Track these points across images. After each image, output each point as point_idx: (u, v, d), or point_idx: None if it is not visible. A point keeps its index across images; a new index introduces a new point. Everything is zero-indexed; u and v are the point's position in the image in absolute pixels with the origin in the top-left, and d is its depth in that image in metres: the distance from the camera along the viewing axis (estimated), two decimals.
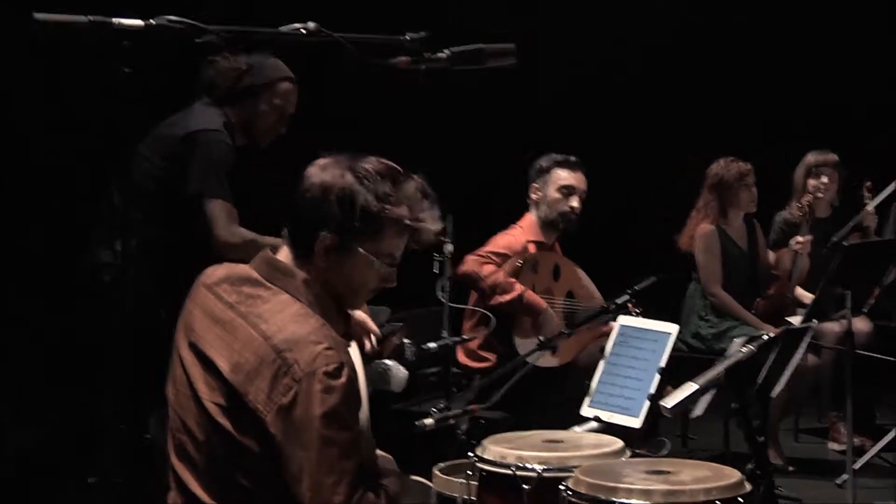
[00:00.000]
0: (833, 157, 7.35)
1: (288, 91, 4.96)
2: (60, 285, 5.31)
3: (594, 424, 4.10)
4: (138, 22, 2.85)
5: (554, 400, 5.48)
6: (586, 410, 4.01)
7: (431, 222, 3.11)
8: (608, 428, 4.05)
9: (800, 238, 7.06)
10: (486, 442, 3.71)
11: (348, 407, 2.93)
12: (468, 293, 5.85)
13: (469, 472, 3.68)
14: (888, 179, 7.24)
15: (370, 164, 3.05)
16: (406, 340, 4.88)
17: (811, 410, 7.74)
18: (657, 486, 3.19)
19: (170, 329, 4.69)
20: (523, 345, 5.67)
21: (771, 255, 7.28)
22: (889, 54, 8.45)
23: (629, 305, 5.93)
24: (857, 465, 6.01)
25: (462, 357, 5.92)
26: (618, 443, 3.66)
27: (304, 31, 2.96)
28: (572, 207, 5.95)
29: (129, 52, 2.85)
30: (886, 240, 6.94)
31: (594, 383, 4.04)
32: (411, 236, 3.11)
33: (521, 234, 5.92)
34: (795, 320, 6.80)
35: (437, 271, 5.35)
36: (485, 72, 3.03)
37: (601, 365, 4.07)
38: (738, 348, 3.76)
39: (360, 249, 3.04)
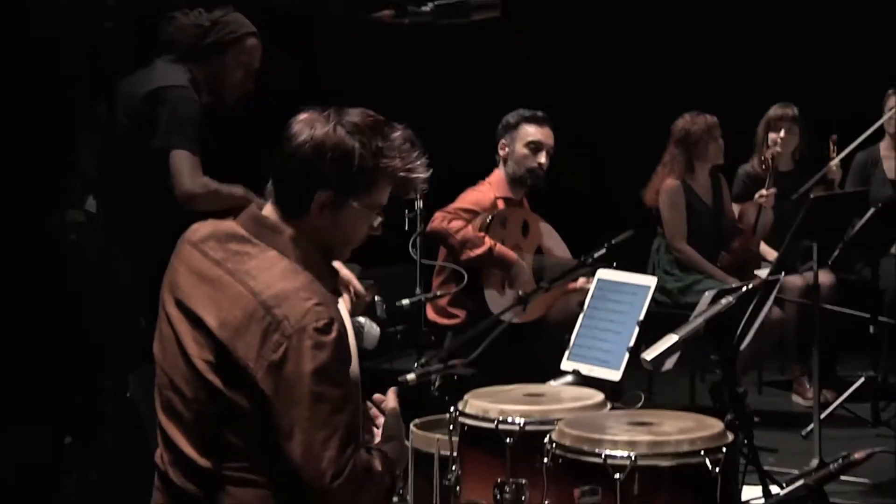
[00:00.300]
0: (793, 110, 7.39)
1: (254, 46, 4.93)
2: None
3: (570, 378, 4.12)
4: None
5: (524, 355, 5.50)
6: (566, 364, 4.03)
7: (422, 171, 3.10)
8: (584, 382, 4.08)
9: (763, 192, 7.09)
10: (467, 396, 3.73)
11: (339, 363, 2.92)
12: (438, 250, 5.85)
13: (451, 426, 3.69)
14: (853, 133, 7.31)
15: (357, 116, 3.03)
16: (377, 298, 4.90)
17: (774, 364, 7.81)
18: (641, 437, 3.22)
19: (142, 291, 4.76)
20: (494, 300, 5.69)
21: (735, 209, 7.32)
22: (855, 8, 8.45)
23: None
24: (823, 416, 6.07)
25: (431, 314, 5.92)
26: (598, 395, 3.70)
27: None
28: (540, 164, 5.95)
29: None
30: (852, 191, 6.98)
31: (573, 337, 4.06)
32: (402, 187, 3.10)
33: (489, 190, 5.93)
34: (762, 273, 6.84)
35: (408, 228, 5.36)
36: (470, 25, 3.02)
37: (580, 318, 4.09)
38: (709, 301, 3.81)
39: (355, 204, 3.04)
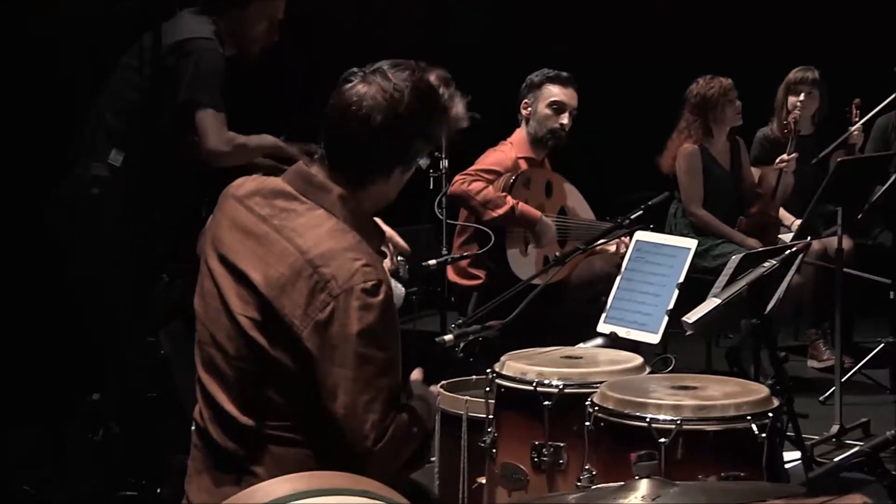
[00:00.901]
0: (813, 73, 7.33)
1: None
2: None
3: (600, 341, 4.08)
4: None
5: (547, 316, 5.46)
6: (602, 326, 3.99)
7: (465, 112, 3.08)
8: (613, 344, 4.04)
9: (784, 156, 7.05)
10: (504, 358, 3.69)
11: (386, 325, 2.88)
12: (458, 212, 5.80)
13: (487, 388, 3.66)
14: (876, 97, 7.25)
15: (411, 75, 2.97)
16: (400, 258, 4.85)
17: (787, 329, 7.78)
18: (687, 401, 3.18)
19: (166, 246, 4.74)
20: (516, 260, 5.64)
21: (754, 173, 7.27)
22: None
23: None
24: (843, 380, 6.03)
25: (452, 274, 5.89)
26: (637, 359, 3.66)
27: None
28: (562, 124, 5.90)
29: None
30: (878, 155, 6.92)
31: (610, 298, 4.02)
32: (452, 133, 3.09)
33: (510, 150, 5.88)
34: (786, 237, 6.82)
35: (433, 187, 5.32)
36: None
37: (617, 280, 4.05)
38: (737, 264, 3.77)
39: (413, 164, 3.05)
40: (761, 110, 7.51)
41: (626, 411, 3.20)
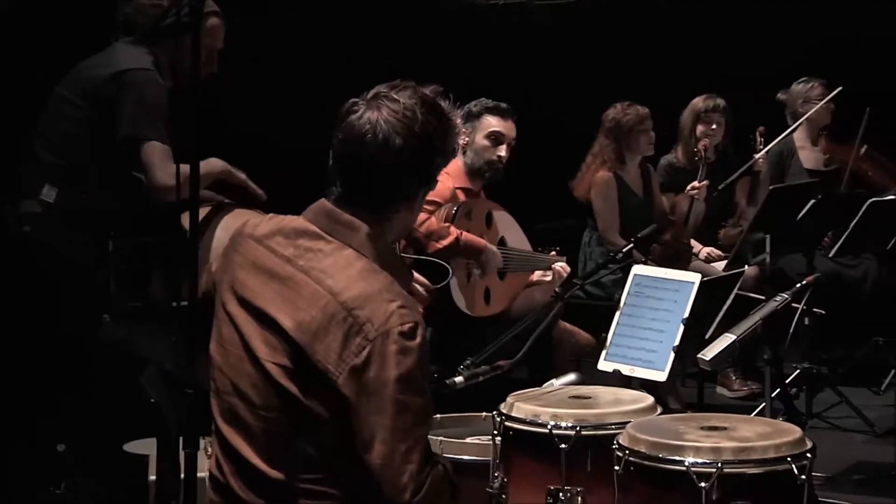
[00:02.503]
0: (722, 101, 7.38)
1: (215, 27, 4.69)
2: None
3: (573, 377, 3.97)
4: None
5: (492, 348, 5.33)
6: (603, 364, 3.89)
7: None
8: (582, 381, 3.94)
9: (695, 183, 7.07)
10: (511, 399, 3.56)
11: (422, 370, 2.75)
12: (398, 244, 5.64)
13: (495, 431, 3.52)
14: (778, 125, 7.35)
15: (414, 93, 2.86)
16: None
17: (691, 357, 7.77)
18: (725, 443, 3.08)
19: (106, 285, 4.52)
20: (461, 291, 5.51)
21: (664, 201, 7.28)
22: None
23: (554, 252, 5.90)
24: (758, 409, 5.99)
25: None
26: (647, 398, 3.57)
27: None
28: (500, 156, 5.78)
29: None
30: (808, 182, 6.97)
31: (609, 336, 3.92)
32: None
33: (447, 181, 5.73)
34: (719, 266, 6.83)
35: None
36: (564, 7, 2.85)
37: (616, 316, 3.94)
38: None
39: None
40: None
41: (660, 454, 3.09)
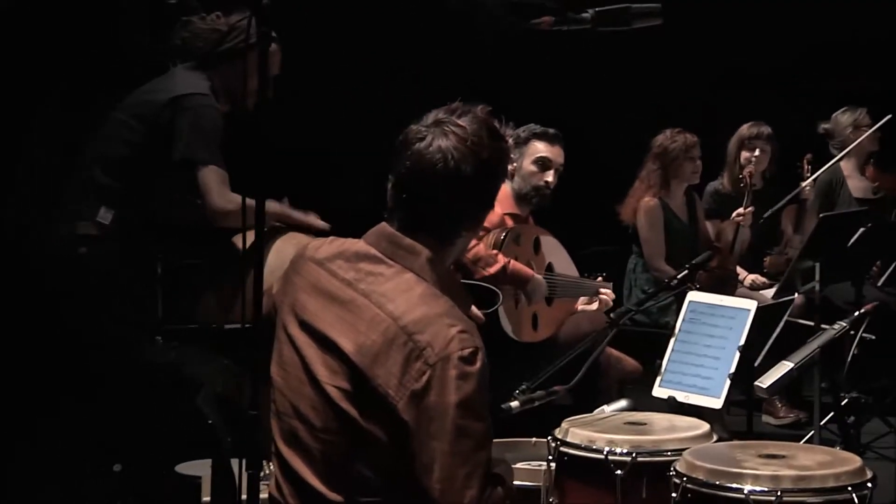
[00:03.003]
0: (767, 129, 7.37)
1: (273, 52, 4.71)
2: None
3: (623, 403, 3.96)
4: None
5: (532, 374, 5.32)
6: (658, 391, 3.87)
7: None
8: (636, 406, 3.93)
9: (741, 210, 7.05)
10: (565, 425, 3.56)
11: (482, 395, 2.75)
12: None
13: (549, 456, 3.51)
14: (824, 153, 7.32)
15: (475, 117, 2.87)
16: None
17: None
18: (784, 471, 3.07)
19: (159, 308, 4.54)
20: (508, 317, 5.50)
21: (709, 227, 7.26)
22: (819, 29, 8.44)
23: (600, 278, 5.88)
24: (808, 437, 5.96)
25: None
26: (703, 425, 3.55)
27: None
28: (547, 182, 5.76)
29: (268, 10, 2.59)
30: (857, 210, 6.94)
31: (664, 362, 3.90)
32: None
33: (496, 206, 5.72)
34: (768, 294, 6.80)
35: None
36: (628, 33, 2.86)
37: (671, 343, 3.93)
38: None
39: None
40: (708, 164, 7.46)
41: (719, 482, 3.08)
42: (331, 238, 3.02)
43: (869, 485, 3.08)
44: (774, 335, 4.61)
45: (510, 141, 5.78)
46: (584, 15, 2.84)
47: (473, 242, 5.38)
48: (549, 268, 5.79)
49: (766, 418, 7.27)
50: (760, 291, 7.06)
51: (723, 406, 6.64)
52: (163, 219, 4.55)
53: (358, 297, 2.82)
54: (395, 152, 2.87)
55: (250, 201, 4.49)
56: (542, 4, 2.82)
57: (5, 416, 4.86)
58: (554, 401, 3.54)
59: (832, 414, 6.50)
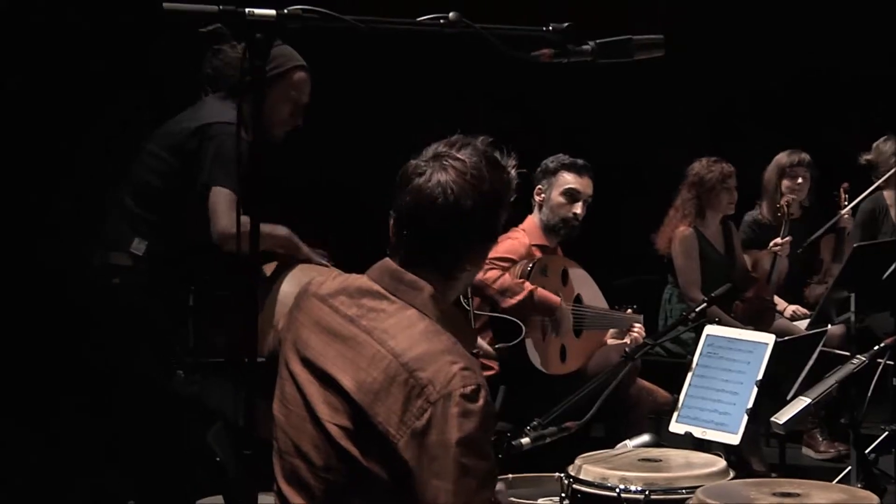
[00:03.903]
0: (807, 156, 7.28)
1: (302, 80, 4.72)
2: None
3: (647, 438, 3.90)
4: (271, 12, 2.59)
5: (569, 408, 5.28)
6: (675, 426, 3.82)
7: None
8: (658, 442, 3.88)
9: (778, 240, 6.98)
10: (579, 461, 3.51)
11: (485, 433, 2.71)
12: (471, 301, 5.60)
13: (563, 494, 3.47)
14: (861, 182, 7.24)
15: (475, 149, 2.84)
16: None
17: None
18: None
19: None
20: (536, 349, 5.46)
21: (746, 258, 7.19)
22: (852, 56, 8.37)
23: (630, 311, 5.83)
24: (846, 471, 5.85)
25: None
26: (720, 462, 3.49)
27: (443, 22, 2.71)
28: (575, 214, 5.72)
29: (261, 44, 2.59)
30: (893, 240, 6.86)
31: (682, 397, 3.85)
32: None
33: (523, 237, 5.69)
34: (802, 325, 6.72)
35: None
36: (631, 64, 2.83)
37: (688, 377, 3.87)
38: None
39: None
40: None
41: None
42: (335, 273, 3.01)
43: None
44: (807, 368, 4.55)
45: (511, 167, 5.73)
46: (585, 47, 2.80)
47: (498, 273, 5.36)
48: (578, 299, 5.74)
49: (805, 451, 7.18)
50: (799, 322, 6.98)
51: (761, 439, 6.69)
52: (197, 248, 4.55)
53: (360, 333, 2.79)
54: (396, 187, 2.85)
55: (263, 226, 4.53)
56: (543, 37, 2.78)
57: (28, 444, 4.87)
58: (574, 434, 3.48)
59: (873, 446, 6.42)
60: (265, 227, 4.53)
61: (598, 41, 2.82)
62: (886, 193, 7.43)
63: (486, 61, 3.44)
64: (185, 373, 4.51)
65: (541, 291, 5.39)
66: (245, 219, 4.48)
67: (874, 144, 7.40)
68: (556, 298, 5.46)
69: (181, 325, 4.54)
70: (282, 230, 4.54)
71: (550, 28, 2.81)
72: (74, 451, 4.79)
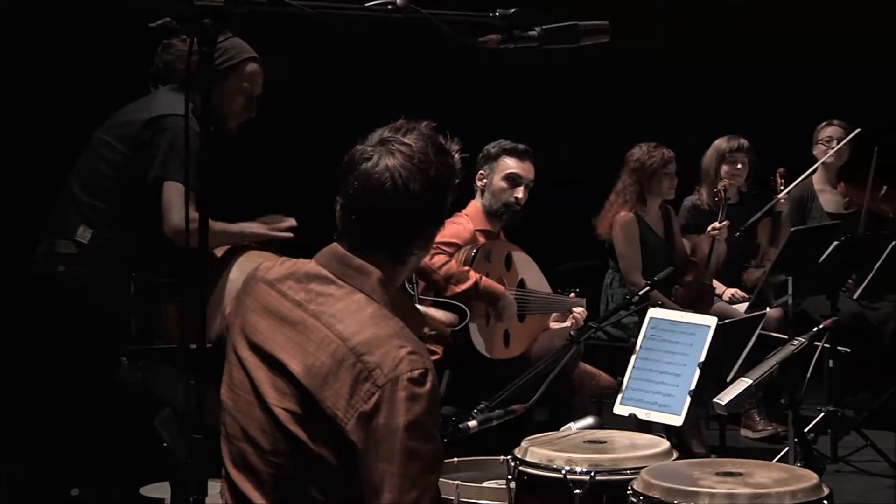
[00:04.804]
0: (745, 142, 7.35)
1: (254, 72, 4.73)
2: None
3: (590, 420, 3.95)
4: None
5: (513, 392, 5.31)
6: (619, 408, 3.86)
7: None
8: (601, 424, 3.92)
9: (717, 224, 7.03)
10: (525, 444, 3.54)
11: (432, 416, 2.72)
12: (417, 285, 5.62)
13: (509, 475, 3.50)
14: (797, 165, 7.33)
15: (420, 134, 2.85)
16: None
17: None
18: (740, 489, 3.05)
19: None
20: (480, 334, 5.48)
21: (685, 242, 7.25)
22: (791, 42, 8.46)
23: (573, 294, 5.87)
24: (783, 452, 5.94)
25: None
26: (664, 443, 3.53)
27: (391, 8, 2.72)
28: (517, 198, 5.74)
29: (209, 30, 2.60)
30: (829, 224, 6.95)
31: (625, 380, 3.89)
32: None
33: (467, 223, 5.72)
34: (741, 308, 6.79)
35: None
36: (578, 50, 2.85)
37: (632, 360, 3.92)
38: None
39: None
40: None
41: (675, 501, 3.06)
42: (282, 259, 3.00)
43: (825, 502, 3.06)
44: (746, 351, 4.61)
45: (481, 155, 5.77)
46: (531, 33, 2.82)
47: (444, 259, 5.37)
48: (521, 284, 5.77)
49: (744, 432, 7.27)
50: (738, 306, 7.05)
51: (700, 421, 6.76)
52: (144, 238, 4.55)
53: (308, 317, 2.80)
54: (342, 172, 2.85)
55: (215, 223, 4.53)
56: (489, 23, 2.80)
57: None
58: (520, 417, 3.52)
59: (811, 427, 6.52)
60: (217, 225, 4.58)
61: (543, 27, 2.83)
62: (816, 179, 7.56)
63: (434, 46, 3.44)
64: (129, 360, 4.50)
65: (486, 281, 5.42)
66: (198, 215, 4.53)
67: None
68: (499, 287, 5.48)
69: (125, 313, 4.52)
70: (234, 227, 4.54)
71: (497, 14, 2.82)
72: (18, 438, 4.75)
